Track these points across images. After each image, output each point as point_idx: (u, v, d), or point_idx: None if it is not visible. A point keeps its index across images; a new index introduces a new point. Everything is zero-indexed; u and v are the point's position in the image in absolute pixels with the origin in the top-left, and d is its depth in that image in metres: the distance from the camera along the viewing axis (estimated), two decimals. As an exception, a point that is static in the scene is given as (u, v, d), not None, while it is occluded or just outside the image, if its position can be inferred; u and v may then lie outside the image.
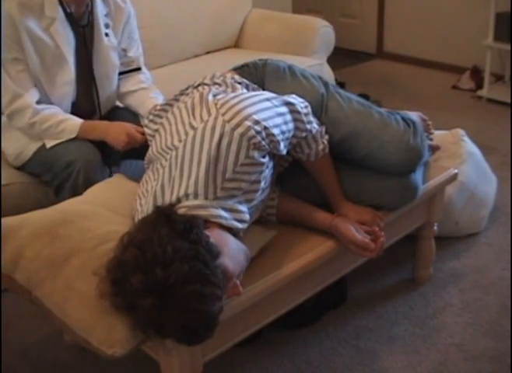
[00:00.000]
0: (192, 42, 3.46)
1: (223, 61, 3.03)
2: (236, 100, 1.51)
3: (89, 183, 1.94)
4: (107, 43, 2.20)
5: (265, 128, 1.49)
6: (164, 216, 1.36)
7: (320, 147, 1.70)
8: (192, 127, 1.50)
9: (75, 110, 2.19)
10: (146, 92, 2.33)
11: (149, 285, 1.24)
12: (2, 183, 2.17)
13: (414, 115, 2.04)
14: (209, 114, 1.49)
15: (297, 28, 3.52)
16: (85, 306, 1.38)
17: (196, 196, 1.45)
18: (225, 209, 1.47)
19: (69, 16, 2.08)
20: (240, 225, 1.50)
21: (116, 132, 2.08)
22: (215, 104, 1.51)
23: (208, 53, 3.58)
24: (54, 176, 2.07)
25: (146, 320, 1.27)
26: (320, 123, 1.73)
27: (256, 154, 1.49)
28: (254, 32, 3.64)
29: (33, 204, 1.95)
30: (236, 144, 1.46)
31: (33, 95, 2.06)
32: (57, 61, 2.09)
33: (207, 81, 1.74)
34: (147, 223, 1.36)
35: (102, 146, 2.12)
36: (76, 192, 1.92)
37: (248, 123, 1.46)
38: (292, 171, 1.82)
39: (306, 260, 1.68)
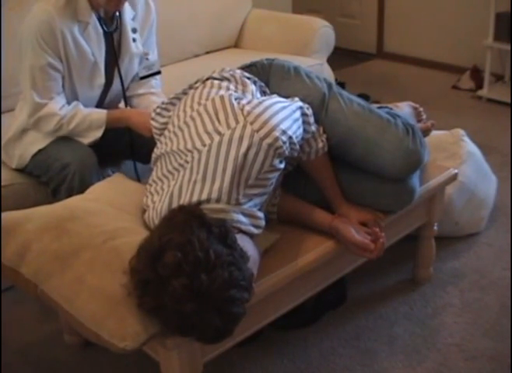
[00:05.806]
0: (192, 42, 3.46)
1: (223, 61, 3.02)
2: (261, 108, 1.52)
3: (84, 185, 1.92)
4: (134, 50, 2.17)
5: (290, 138, 1.52)
6: (197, 218, 1.35)
7: (320, 145, 1.72)
8: (218, 133, 1.50)
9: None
10: (153, 97, 2.28)
11: (193, 290, 1.23)
12: (2, 184, 2.17)
13: (404, 105, 2.04)
14: (237, 121, 1.49)
15: (297, 28, 3.52)
16: (97, 299, 1.38)
17: (218, 201, 1.47)
18: (244, 214, 1.50)
19: (100, 22, 2.05)
20: (256, 231, 1.54)
21: (140, 117, 2.07)
22: (241, 110, 1.51)
23: (208, 53, 3.57)
24: (50, 179, 2.07)
25: (181, 323, 1.27)
26: (320, 123, 1.74)
27: (277, 161, 1.52)
28: (254, 32, 3.63)
29: (33, 205, 1.94)
30: (263, 153, 1.48)
31: (57, 102, 2.04)
32: (90, 66, 2.08)
33: (215, 75, 1.73)
34: (179, 223, 1.34)
35: (100, 147, 2.12)
36: (72, 194, 1.91)
37: (276, 133, 1.48)
38: (292, 174, 1.82)
39: (306, 260, 1.68)
